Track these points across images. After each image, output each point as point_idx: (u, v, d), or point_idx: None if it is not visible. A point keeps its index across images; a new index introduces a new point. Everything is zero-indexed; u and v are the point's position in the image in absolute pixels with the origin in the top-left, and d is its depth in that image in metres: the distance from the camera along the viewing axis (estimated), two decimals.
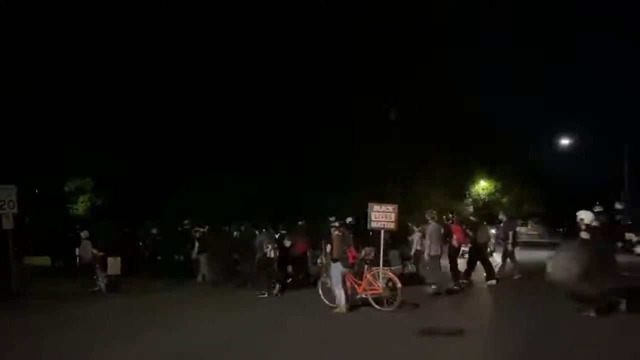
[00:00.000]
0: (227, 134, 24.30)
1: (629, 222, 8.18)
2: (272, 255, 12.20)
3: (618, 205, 9.47)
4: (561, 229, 45.31)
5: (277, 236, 13.87)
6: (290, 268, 13.94)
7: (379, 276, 9.77)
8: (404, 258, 13.97)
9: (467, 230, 13.00)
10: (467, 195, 35.67)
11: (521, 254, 14.95)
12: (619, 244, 17.85)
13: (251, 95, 24.37)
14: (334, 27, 25.14)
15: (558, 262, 8.46)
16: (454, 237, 12.42)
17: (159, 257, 15.64)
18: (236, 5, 24.24)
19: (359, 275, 9.89)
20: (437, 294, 11.00)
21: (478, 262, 12.99)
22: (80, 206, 24.82)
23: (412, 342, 7.26)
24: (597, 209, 9.65)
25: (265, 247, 12.22)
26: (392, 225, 10.88)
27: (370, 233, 12.20)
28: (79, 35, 21.25)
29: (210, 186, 23.02)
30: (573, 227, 8.72)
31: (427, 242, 11.41)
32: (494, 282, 12.58)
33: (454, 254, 12.50)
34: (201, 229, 15.64)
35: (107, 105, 22.47)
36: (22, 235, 14.48)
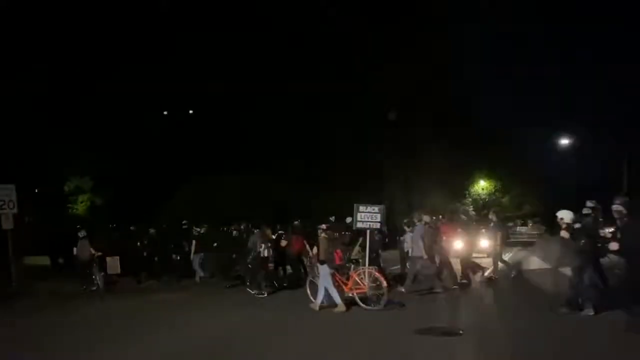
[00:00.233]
0: (227, 134, 24.31)
1: (600, 219, 8.35)
2: (266, 254, 12.23)
3: (589, 204, 9.61)
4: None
5: (274, 236, 13.93)
6: (288, 268, 13.97)
7: (365, 275, 9.90)
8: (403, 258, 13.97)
9: (460, 230, 13.12)
10: (467, 195, 35.68)
11: (521, 254, 14.94)
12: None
13: (251, 95, 24.36)
14: (334, 26, 25.14)
15: (535, 258, 8.58)
16: (444, 238, 12.45)
17: (156, 258, 15.65)
18: (236, 5, 24.24)
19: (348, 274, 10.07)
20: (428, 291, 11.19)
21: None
22: (80, 206, 24.84)
23: (412, 341, 7.26)
24: (590, 204, 9.76)
25: (259, 246, 12.25)
26: (377, 226, 10.97)
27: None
28: (78, 35, 21.23)
29: (210, 186, 23.03)
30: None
31: (413, 242, 11.54)
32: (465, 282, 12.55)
33: (445, 255, 12.56)
34: (198, 229, 15.66)
35: (107, 105, 22.46)
36: (21, 235, 14.47)
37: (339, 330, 8.28)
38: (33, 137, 20.55)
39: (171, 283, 14.44)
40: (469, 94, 33.50)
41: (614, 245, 7.22)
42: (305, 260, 13.96)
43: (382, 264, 13.07)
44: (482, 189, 36.01)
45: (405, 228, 12.85)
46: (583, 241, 8.12)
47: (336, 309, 9.48)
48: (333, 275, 9.67)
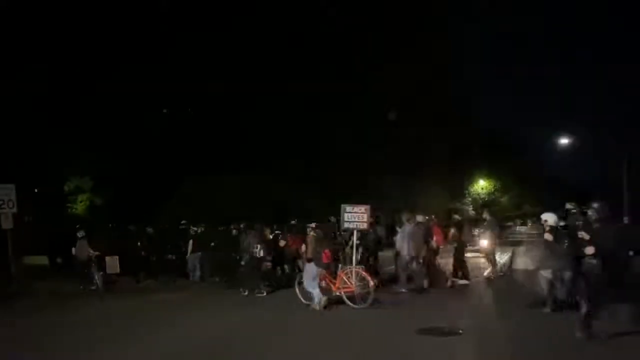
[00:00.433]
0: (227, 134, 24.31)
1: (578, 223, 8.44)
2: (261, 254, 12.30)
3: (568, 206, 9.80)
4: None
5: (271, 236, 13.96)
6: (287, 267, 13.99)
7: (352, 275, 10.11)
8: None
9: (453, 229, 13.24)
10: (467, 195, 35.70)
11: (508, 254, 14.98)
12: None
13: (251, 95, 24.35)
14: (334, 26, 25.13)
15: (519, 259, 8.73)
16: (434, 238, 12.57)
17: (153, 257, 15.70)
18: (236, 5, 24.22)
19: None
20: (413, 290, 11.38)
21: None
22: (80, 206, 24.84)
23: (412, 341, 7.27)
24: (569, 206, 9.94)
25: (254, 247, 12.31)
26: (364, 226, 11.22)
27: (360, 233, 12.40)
28: (78, 35, 21.22)
29: (210, 186, 23.03)
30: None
31: (402, 242, 11.66)
32: (466, 282, 12.70)
33: (432, 255, 12.63)
34: (194, 229, 15.70)
35: (107, 105, 22.45)
36: (21, 235, 14.48)
37: (339, 330, 8.29)
38: (33, 137, 20.53)
39: (169, 283, 14.47)
40: (469, 94, 33.54)
41: (589, 249, 7.30)
42: (299, 260, 14.02)
43: (378, 264, 13.14)
44: (482, 189, 36.02)
45: (397, 228, 12.93)
46: (566, 243, 8.22)
47: (311, 305, 9.73)
48: (320, 274, 9.88)
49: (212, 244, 14.87)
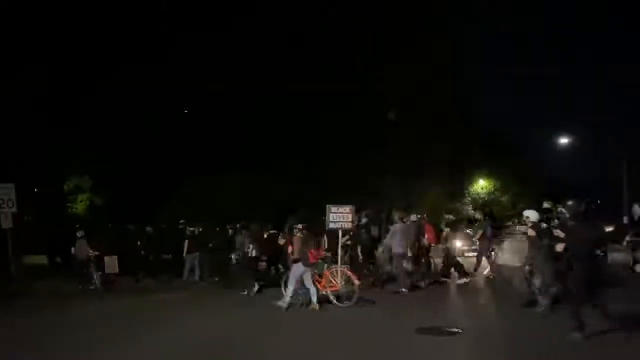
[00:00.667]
0: (227, 134, 24.30)
1: (557, 220, 8.65)
2: (254, 254, 12.39)
3: (545, 204, 10.07)
4: None
5: (265, 235, 14.02)
6: (280, 267, 14.03)
7: (338, 274, 10.39)
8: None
9: (447, 229, 13.39)
10: (467, 195, 35.66)
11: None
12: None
13: (251, 95, 24.34)
14: (334, 26, 25.11)
15: (503, 255, 9.42)
16: (426, 236, 12.76)
17: (151, 257, 15.75)
18: (236, 5, 24.21)
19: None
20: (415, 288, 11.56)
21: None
22: (80, 205, 24.84)
23: (412, 340, 7.28)
24: (546, 205, 10.13)
25: (247, 246, 12.40)
26: (349, 225, 11.56)
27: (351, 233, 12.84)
28: (78, 35, 21.22)
29: (210, 186, 23.02)
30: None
31: (393, 241, 11.78)
32: (463, 280, 12.84)
33: (423, 253, 12.78)
34: (191, 229, 15.75)
35: (107, 105, 22.46)
36: (21, 234, 14.48)
37: (339, 329, 8.30)
38: (33, 136, 20.54)
39: (167, 282, 14.50)
40: (469, 94, 33.49)
41: (559, 247, 7.49)
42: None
43: (376, 263, 13.18)
44: (482, 188, 35.99)
45: (389, 227, 13.04)
46: (547, 240, 8.35)
47: (278, 303, 9.89)
48: (309, 274, 10.05)
49: (211, 244, 14.89)
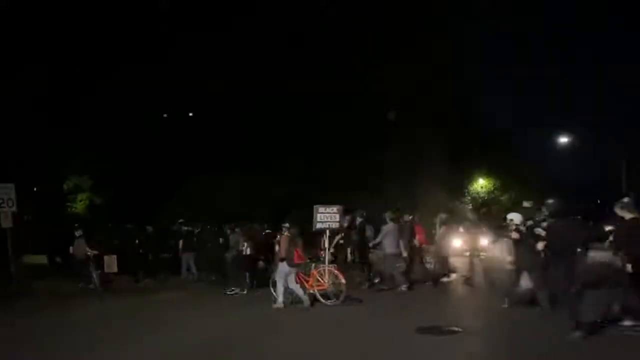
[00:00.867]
0: (227, 134, 24.31)
1: (534, 220, 8.90)
2: (248, 252, 12.47)
3: (525, 204, 10.33)
4: None
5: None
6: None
7: (325, 273, 10.50)
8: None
9: (442, 227, 13.37)
10: (467, 194, 35.65)
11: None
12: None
13: (251, 95, 24.35)
14: (334, 26, 25.12)
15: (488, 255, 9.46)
16: (416, 237, 12.79)
17: (150, 256, 15.79)
18: (236, 5, 24.22)
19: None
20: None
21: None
22: (79, 205, 24.85)
23: (412, 339, 7.28)
24: (526, 204, 10.26)
25: (241, 245, 12.50)
26: (336, 225, 11.59)
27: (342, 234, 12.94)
28: (78, 35, 21.23)
29: (210, 186, 23.03)
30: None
31: (385, 241, 11.89)
32: (445, 279, 12.97)
33: (414, 254, 12.82)
34: (185, 228, 15.82)
35: (107, 105, 22.47)
36: (21, 234, 14.49)
37: (339, 329, 8.30)
38: (33, 136, 20.56)
39: (164, 281, 14.53)
40: (469, 94, 33.48)
41: (540, 245, 7.58)
42: None
43: (370, 263, 13.22)
44: (481, 187, 35.98)
45: (383, 227, 13.08)
46: (532, 241, 8.41)
47: (274, 305, 9.96)
48: (295, 274, 10.19)
49: (210, 244, 14.94)
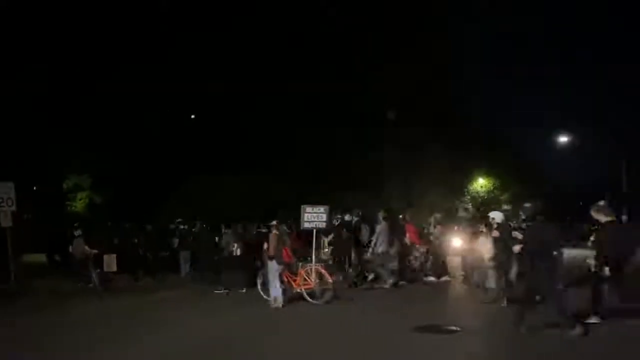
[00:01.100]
0: (227, 134, 24.31)
1: (512, 223, 9.26)
2: (238, 253, 12.62)
3: (505, 207, 10.70)
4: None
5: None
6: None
7: (312, 272, 10.58)
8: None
9: (438, 227, 13.59)
10: (466, 193, 35.65)
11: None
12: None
13: (251, 95, 24.35)
14: (334, 26, 25.12)
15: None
16: (407, 236, 13.00)
17: (150, 255, 15.83)
18: (236, 5, 24.22)
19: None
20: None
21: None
22: (79, 203, 24.86)
23: (411, 339, 7.28)
24: (505, 207, 10.28)
25: (231, 246, 12.63)
26: (323, 225, 11.66)
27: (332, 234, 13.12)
28: (78, 35, 21.24)
29: (210, 186, 23.03)
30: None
31: (378, 240, 12.11)
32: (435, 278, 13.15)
33: (405, 253, 13.03)
34: (182, 227, 15.85)
35: (107, 105, 22.47)
36: (20, 233, 14.49)
37: (338, 329, 8.31)
38: (33, 136, 20.57)
39: (162, 280, 14.57)
40: (469, 94, 33.48)
41: (516, 248, 7.78)
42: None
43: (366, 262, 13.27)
44: (481, 187, 35.99)
45: (377, 227, 13.17)
46: (511, 242, 8.57)
47: (273, 305, 9.99)
48: (282, 272, 10.27)
49: (205, 244, 14.99)
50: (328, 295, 10.28)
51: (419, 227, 14.26)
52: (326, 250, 13.93)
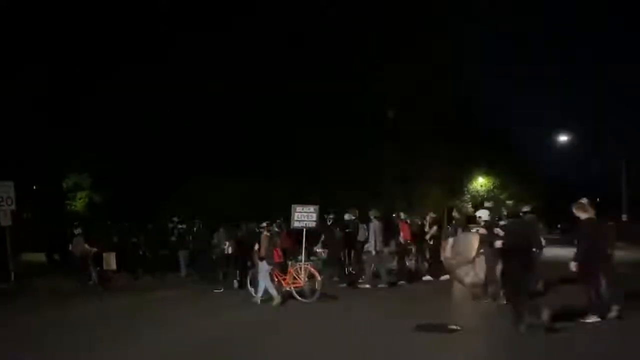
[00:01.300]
0: (227, 134, 24.29)
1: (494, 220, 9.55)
2: (229, 252, 12.87)
3: (487, 204, 10.97)
4: (559, 225, 45.32)
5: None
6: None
7: (301, 271, 10.78)
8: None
9: (434, 226, 13.70)
10: (466, 192, 35.71)
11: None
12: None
13: (251, 95, 24.33)
14: (334, 26, 25.11)
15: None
16: (401, 234, 13.15)
17: (149, 254, 15.88)
18: (236, 5, 24.20)
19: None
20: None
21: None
22: (79, 203, 24.84)
23: (411, 338, 7.28)
24: (487, 205, 11.33)
25: (223, 244, 12.83)
26: (313, 224, 11.91)
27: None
28: (78, 35, 21.22)
29: (210, 186, 23.03)
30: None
31: (370, 239, 12.29)
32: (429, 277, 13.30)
33: (401, 251, 13.21)
34: (180, 226, 15.93)
35: (107, 105, 22.46)
36: (20, 232, 14.52)
37: (338, 328, 8.31)
38: (33, 136, 20.56)
39: (161, 279, 14.59)
40: (469, 94, 33.54)
41: (497, 244, 7.98)
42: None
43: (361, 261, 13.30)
44: (481, 186, 36.06)
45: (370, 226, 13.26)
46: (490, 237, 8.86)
47: (274, 303, 10.11)
48: (272, 272, 10.44)
49: (201, 243, 15.04)
50: (317, 294, 10.40)
51: (415, 223, 14.37)
52: (319, 250, 13.96)
